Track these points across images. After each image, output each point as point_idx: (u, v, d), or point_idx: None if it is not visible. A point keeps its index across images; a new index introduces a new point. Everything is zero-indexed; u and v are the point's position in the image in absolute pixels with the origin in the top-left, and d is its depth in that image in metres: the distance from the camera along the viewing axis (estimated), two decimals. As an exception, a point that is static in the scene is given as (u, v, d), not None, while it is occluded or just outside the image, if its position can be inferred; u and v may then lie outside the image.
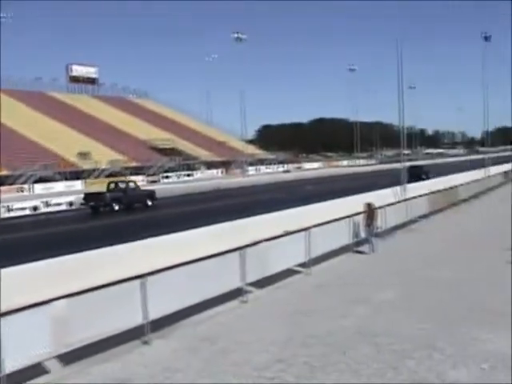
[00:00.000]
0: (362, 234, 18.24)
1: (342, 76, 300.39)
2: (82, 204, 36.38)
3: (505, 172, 49.79)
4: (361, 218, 18.15)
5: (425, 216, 25.13)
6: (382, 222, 19.66)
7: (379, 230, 19.03)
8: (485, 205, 30.95)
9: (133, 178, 55.71)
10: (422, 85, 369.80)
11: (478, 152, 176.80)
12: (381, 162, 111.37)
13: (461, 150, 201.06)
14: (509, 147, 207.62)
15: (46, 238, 24.60)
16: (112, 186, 37.43)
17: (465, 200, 31.92)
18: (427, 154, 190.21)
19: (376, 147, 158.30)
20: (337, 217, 17.37)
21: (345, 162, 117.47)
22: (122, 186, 37.50)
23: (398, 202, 24.83)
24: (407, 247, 18.64)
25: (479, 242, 18.65)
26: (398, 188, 30.93)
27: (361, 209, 18.37)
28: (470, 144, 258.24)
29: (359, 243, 18.33)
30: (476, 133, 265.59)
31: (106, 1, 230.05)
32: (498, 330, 9.70)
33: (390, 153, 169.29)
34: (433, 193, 27.38)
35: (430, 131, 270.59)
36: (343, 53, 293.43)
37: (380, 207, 19.76)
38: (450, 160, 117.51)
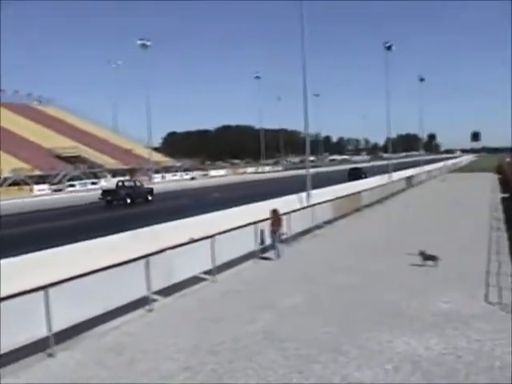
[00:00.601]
0: (268, 241, 18.54)
1: (247, 83, 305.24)
2: (99, 198, 44.15)
3: (407, 177, 52.34)
4: (266, 225, 18.44)
5: (329, 222, 25.91)
6: (288, 228, 20.08)
7: (285, 236, 19.38)
8: (388, 210, 32.32)
9: (36, 187, 60.26)
10: (328, 92, 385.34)
11: (381, 158, 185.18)
12: (286, 169, 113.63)
13: (365, 157, 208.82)
14: (410, 153, 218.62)
15: None
16: (120, 184, 46.60)
17: (368, 205, 33.31)
18: (332, 160, 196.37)
19: (282, 154, 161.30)
20: (243, 223, 17.58)
21: (251, 169, 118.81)
22: (129, 184, 47.03)
23: (304, 208, 25.48)
24: (312, 253, 19.12)
25: (382, 247, 19.42)
26: (303, 194, 31.70)
27: (266, 215, 18.68)
28: (373, 150, 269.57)
29: (265, 249, 18.62)
30: (379, 139, 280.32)
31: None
32: (402, 332, 10.19)
33: (295, 159, 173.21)
34: (337, 198, 28.31)
35: (334, 138, 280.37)
36: (249, 60, 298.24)
37: (285, 213, 20.21)
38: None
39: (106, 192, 45.82)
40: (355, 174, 59.87)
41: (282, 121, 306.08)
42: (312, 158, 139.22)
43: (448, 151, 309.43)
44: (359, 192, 32.67)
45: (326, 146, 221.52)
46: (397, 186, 45.24)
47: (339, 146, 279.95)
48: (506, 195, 38.19)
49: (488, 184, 51.33)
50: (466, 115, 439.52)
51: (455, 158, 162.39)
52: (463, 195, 39.57)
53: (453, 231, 22.60)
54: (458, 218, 26.94)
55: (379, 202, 35.95)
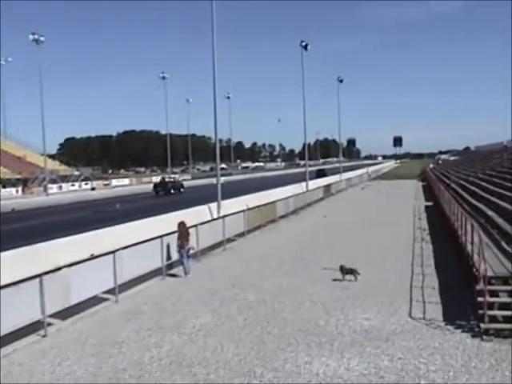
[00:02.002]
0: (175, 256, 18.52)
1: (153, 84, 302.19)
2: (153, 189, 67.63)
3: (325, 186, 53.66)
4: (173, 238, 18.40)
5: (241, 234, 26.18)
6: (196, 241, 20.13)
7: (193, 251, 19.39)
8: (304, 221, 32.98)
9: None
10: (241, 94, 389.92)
11: (298, 165, 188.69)
12: (194, 178, 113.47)
13: (280, 163, 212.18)
14: (329, 160, 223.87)
15: None
16: (163, 179, 73.63)
17: (284, 216, 33.86)
18: (245, 167, 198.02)
19: (190, 161, 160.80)
20: (147, 237, 17.47)
21: (156, 178, 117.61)
22: (170, 179, 75.42)
23: (214, 219, 25.60)
24: (222, 268, 19.21)
25: (298, 261, 19.80)
26: (213, 205, 31.79)
27: (173, 228, 18.65)
28: (289, 157, 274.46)
29: (172, 266, 18.63)
30: (296, 145, 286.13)
31: None
32: (320, 352, 10.40)
33: (205, 167, 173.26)
34: (250, 209, 28.62)
35: (248, 144, 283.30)
36: (154, 59, 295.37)
37: (194, 226, 20.27)
38: (270, 174, 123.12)
39: (157, 184, 70.56)
40: (320, 174, 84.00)
41: (192, 125, 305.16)
42: (223, 166, 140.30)
43: (369, 157, 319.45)
44: (274, 202, 33.16)
45: (238, 152, 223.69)
46: (314, 195, 46.31)
47: (252, 153, 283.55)
48: (430, 203, 39.89)
49: (411, 192, 53.50)
50: (388, 120, 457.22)
51: (376, 164, 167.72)
52: (385, 204, 40.97)
53: (374, 243, 23.33)
54: (379, 228, 27.87)
55: (295, 212, 36.66)
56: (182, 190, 69.16)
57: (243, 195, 39.30)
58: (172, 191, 66.45)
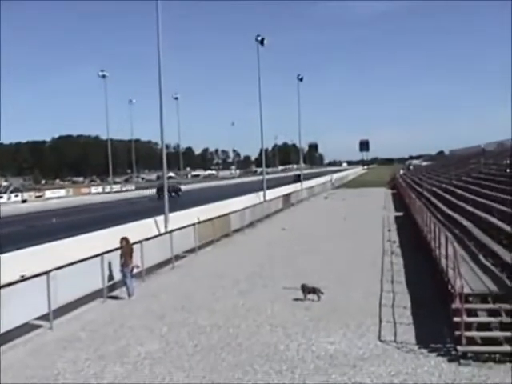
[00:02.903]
0: (118, 276, 18.37)
1: (92, 84, 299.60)
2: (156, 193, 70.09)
3: (285, 195, 53.85)
4: (115, 256, 18.24)
5: (192, 250, 26.16)
6: (141, 259, 20.04)
7: (137, 270, 19.29)
8: (261, 235, 33.06)
9: None
10: (191, 95, 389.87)
11: (254, 173, 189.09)
12: (139, 188, 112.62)
13: (235, 171, 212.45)
14: (290, 166, 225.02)
15: None
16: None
17: (239, 230, 33.88)
18: (195, 176, 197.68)
19: (134, 169, 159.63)
20: (86, 255, 17.23)
21: (97, 189, 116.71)
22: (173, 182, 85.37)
23: (161, 234, 25.45)
24: (170, 289, 19.15)
25: (254, 280, 19.86)
26: (160, 218, 31.58)
27: (116, 245, 18.51)
28: (245, 164, 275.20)
29: (114, 287, 18.44)
30: (252, 151, 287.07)
31: None
32: (280, 380, 10.42)
33: (152, 176, 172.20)
34: (201, 222, 28.55)
35: (198, 150, 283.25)
36: (93, 57, 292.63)
37: (138, 242, 20.15)
38: (223, 183, 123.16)
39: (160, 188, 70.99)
40: (298, 179, 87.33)
41: (136, 129, 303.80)
42: (171, 175, 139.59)
43: (333, 163, 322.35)
44: (228, 214, 33.15)
45: (188, 159, 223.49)
46: (272, 205, 46.47)
47: (204, 160, 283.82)
48: (400, 213, 40.50)
49: (379, 201, 54.28)
50: (354, 123, 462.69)
51: (341, 171, 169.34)
52: (350, 215, 41.23)
53: (339, 258, 23.55)
54: (344, 241, 28.18)
55: (252, 225, 36.77)
56: (179, 193, 77.86)
57: (194, 207, 39.19)
58: (173, 194, 71.66)
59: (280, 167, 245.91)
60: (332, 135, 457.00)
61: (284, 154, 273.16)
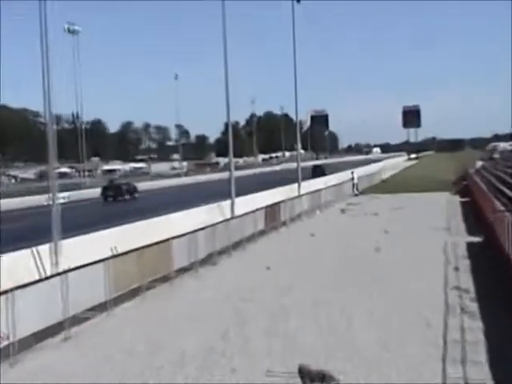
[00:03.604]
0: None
1: None
2: (101, 194, 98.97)
3: (269, 208, 53.61)
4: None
5: (102, 307, 26.06)
6: (10, 325, 20.11)
7: (4, 344, 19.39)
8: (225, 279, 32.99)
9: None
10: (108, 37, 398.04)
11: (214, 165, 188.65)
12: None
13: (180, 163, 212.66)
14: (279, 154, 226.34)
15: None
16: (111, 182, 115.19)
17: (186, 269, 33.85)
18: (109, 171, 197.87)
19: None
20: None
21: None
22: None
23: (45, 278, 25.29)
24: (61, 376, 19.06)
25: (218, 360, 19.80)
26: (44, 248, 31.37)
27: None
28: (197, 149, 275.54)
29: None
30: (212, 128, 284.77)
31: None
32: None
33: (30, 172, 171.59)
34: (120, 256, 28.35)
35: (115, 125, 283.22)
36: None
37: (4, 292, 20.07)
38: (159, 184, 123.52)
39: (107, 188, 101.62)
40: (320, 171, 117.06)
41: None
42: (64, 170, 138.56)
43: (355, 149, 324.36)
44: (167, 240, 32.85)
45: (96, 142, 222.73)
46: (247, 225, 46.12)
47: (124, 143, 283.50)
48: (476, 239, 40.87)
49: (439, 215, 55.14)
50: (390, 78, 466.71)
51: (370, 162, 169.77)
52: (386, 242, 41.40)
53: (361, 317, 23.69)
54: (374, 292, 28.16)
55: (209, 259, 36.97)
56: (136, 195, 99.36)
57: (105, 227, 39.04)
58: (126, 197, 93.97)
59: (261, 155, 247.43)
60: (353, 100, 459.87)
61: (268, 134, 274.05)
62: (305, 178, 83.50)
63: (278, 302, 26.95)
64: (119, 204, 76.79)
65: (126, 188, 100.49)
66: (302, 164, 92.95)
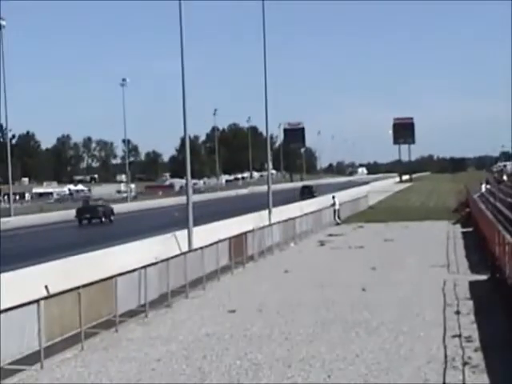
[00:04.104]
0: None
1: None
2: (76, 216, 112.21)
3: (235, 238, 53.50)
4: None
5: (33, 358, 25.76)
6: None
7: None
8: (181, 330, 32.87)
9: None
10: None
11: (166, 188, 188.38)
12: None
13: (125, 185, 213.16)
14: (245, 175, 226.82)
15: None
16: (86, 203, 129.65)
17: (132, 314, 33.73)
18: (42, 195, 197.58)
19: None
20: None
21: None
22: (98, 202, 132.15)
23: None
24: None
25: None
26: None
27: None
28: (147, 168, 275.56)
29: None
30: (165, 143, 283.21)
31: None
32: None
33: None
34: (54, 296, 28.22)
35: (49, 140, 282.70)
36: None
37: None
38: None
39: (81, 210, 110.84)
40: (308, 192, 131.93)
41: None
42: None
43: (337, 169, 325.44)
44: (111, 278, 32.72)
45: (25, 159, 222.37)
46: (207, 260, 46.03)
47: (60, 160, 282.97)
48: (481, 277, 41.22)
49: (437, 248, 55.64)
50: (378, 86, 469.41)
51: (354, 184, 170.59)
52: (375, 281, 41.68)
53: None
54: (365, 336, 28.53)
55: (162, 302, 36.94)
56: (112, 217, 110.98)
57: (35, 261, 38.93)
58: (103, 220, 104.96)
59: (225, 176, 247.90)
60: (334, 111, 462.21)
61: (233, 150, 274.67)
62: (278, 203, 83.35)
63: (246, 358, 27.05)
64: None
65: (102, 210, 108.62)
66: (274, 187, 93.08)
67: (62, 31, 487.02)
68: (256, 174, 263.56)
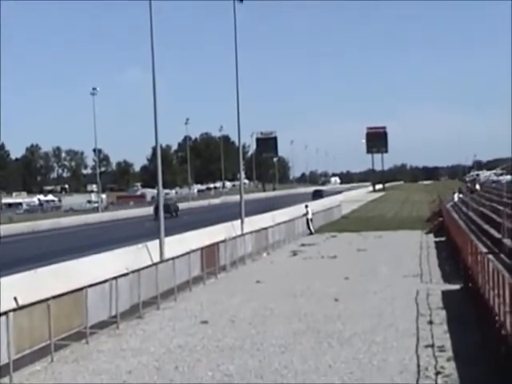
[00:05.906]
0: None
1: None
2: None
3: (206, 249, 53.46)
4: None
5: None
6: None
7: None
8: (151, 342, 32.76)
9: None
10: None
11: (138, 198, 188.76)
12: None
13: (96, 196, 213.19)
14: (217, 185, 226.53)
15: None
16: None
17: (104, 325, 33.55)
18: (10, 205, 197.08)
19: None
20: None
21: None
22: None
23: None
24: None
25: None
26: None
27: None
28: (119, 177, 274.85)
29: None
30: (137, 154, 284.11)
31: None
32: None
33: None
34: (24, 308, 28.12)
35: (19, 149, 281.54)
36: None
37: None
38: (67, 222, 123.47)
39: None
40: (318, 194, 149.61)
41: None
42: None
43: (310, 178, 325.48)
44: (81, 289, 32.54)
45: (1, 169, 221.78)
46: (179, 270, 45.88)
47: (29, 170, 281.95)
48: (453, 287, 41.17)
49: (410, 257, 55.87)
50: (350, 96, 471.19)
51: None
52: (349, 291, 41.53)
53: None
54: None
55: (133, 313, 36.80)
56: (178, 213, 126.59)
57: (4, 272, 38.82)
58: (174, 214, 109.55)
59: (196, 186, 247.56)
60: (307, 120, 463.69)
61: (205, 160, 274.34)
62: (250, 213, 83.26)
63: (218, 370, 26.98)
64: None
65: (173, 208, 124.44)
66: (246, 196, 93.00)
67: (31, 40, 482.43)
68: (228, 184, 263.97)
